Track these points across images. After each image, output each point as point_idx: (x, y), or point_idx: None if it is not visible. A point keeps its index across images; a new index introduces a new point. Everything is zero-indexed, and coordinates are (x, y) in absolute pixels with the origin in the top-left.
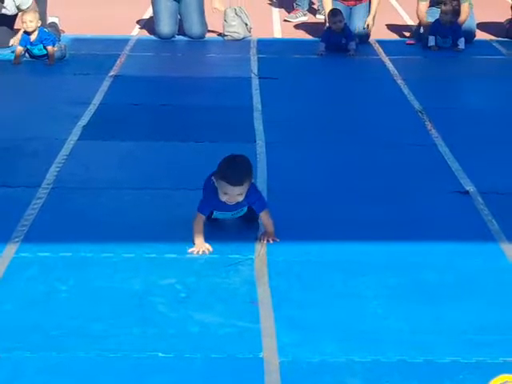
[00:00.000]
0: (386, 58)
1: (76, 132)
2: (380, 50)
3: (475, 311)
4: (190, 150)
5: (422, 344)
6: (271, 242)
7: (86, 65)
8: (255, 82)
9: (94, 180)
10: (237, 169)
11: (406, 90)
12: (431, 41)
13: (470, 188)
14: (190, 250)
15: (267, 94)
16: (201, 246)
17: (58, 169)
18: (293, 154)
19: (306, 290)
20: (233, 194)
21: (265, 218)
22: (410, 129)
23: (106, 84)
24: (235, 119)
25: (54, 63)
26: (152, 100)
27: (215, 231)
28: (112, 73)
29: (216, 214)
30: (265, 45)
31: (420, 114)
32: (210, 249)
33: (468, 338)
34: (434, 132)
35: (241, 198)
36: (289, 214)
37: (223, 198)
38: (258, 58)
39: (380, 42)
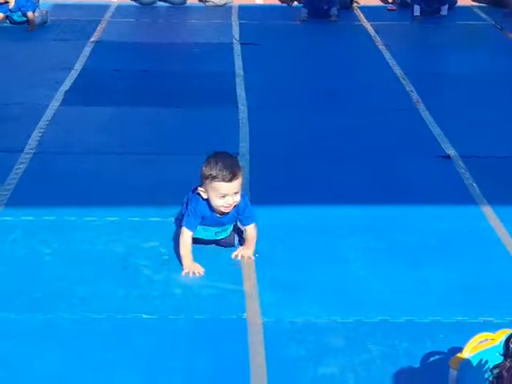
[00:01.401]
0: (368, 24)
1: (58, 97)
2: (362, 16)
3: (456, 272)
4: (173, 116)
5: (404, 304)
6: (248, 259)
7: (67, 31)
8: (237, 48)
9: (77, 145)
10: (226, 163)
11: (387, 56)
12: (416, 10)
13: (452, 152)
14: (183, 273)
15: (249, 59)
16: (191, 267)
17: (40, 134)
18: (275, 119)
19: (288, 252)
20: (231, 193)
21: (250, 232)
22: (391, 94)
23: (87, 50)
24: (217, 85)
25: (35, 29)
26: (133, 66)
27: None
28: (93, 38)
29: (199, 231)
30: (246, 11)
31: (402, 79)
32: (201, 271)
33: (449, 298)
34: (415, 97)
35: (238, 198)
36: (271, 179)
37: (219, 204)
38: (240, 23)
39: (362, 7)
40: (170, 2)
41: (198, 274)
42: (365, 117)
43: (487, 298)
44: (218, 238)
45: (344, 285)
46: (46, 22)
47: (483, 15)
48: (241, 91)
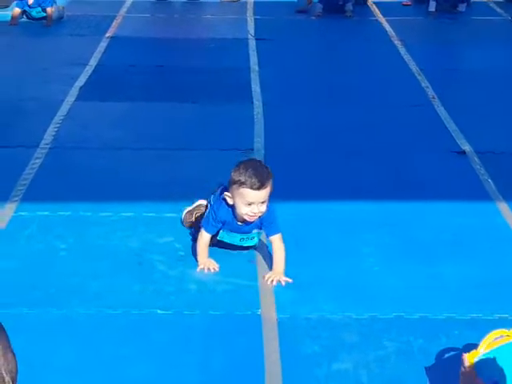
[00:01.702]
0: (383, 19)
1: (73, 93)
2: (377, 11)
3: (471, 269)
4: (188, 111)
5: (418, 301)
6: (282, 283)
7: (83, 26)
8: (252, 44)
9: (92, 140)
10: (256, 170)
11: (402, 51)
12: (432, 6)
13: (467, 148)
14: (198, 270)
15: (264, 55)
16: (205, 263)
17: (55, 129)
18: (290, 115)
19: (302, 248)
20: (257, 202)
21: (277, 244)
22: (406, 89)
23: (102, 45)
24: (232, 80)
25: (52, 24)
26: (149, 61)
27: (213, 188)
28: (108, 34)
29: (223, 235)
30: (262, 6)
31: (417, 74)
32: (216, 267)
33: (463, 294)
34: (430, 92)
35: (264, 208)
36: (286, 174)
37: (244, 211)
38: (255, 19)
39: (377, 3)
40: None
41: (212, 270)
42: (380, 112)
43: (502, 295)
44: (243, 245)
45: (358, 281)
46: (62, 18)
47: (499, 10)
48: (256, 87)
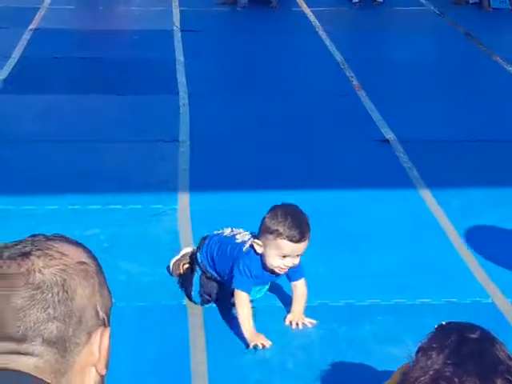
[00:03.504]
0: (308, 10)
1: None
2: (302, 2)
3: (395, 255)
4: (112, 103)
5: (344, 288)
6: (308, 324)
7: (5, 18)
8: (177, 35)
9: (15, 133)
10: (296, 220)
11: (327, 42)
12: None
13: (391, 136)
14: (250, 347)
15: (190, 46)
16: (254, 340)
17: None
18: (216, 105)
19: None
20: (293, 255)
21: (301, 289)
22: (331, 79)
23: (25, 37)
24: (157, 72)
25: None
26: (73, 53)
27: (137, 180)
28: (32, 26)
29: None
30: None
31: (342, 64)
32: (267, 344)
33: (387, 281)
34: (355, 82)
35: (298, 261)
36: (212, 165)
37: (276, 264)
38: (181, 10)
39: None
40: None
41: (268, 346)
42: (305, 103)
43: (424, 280)
44: (255, 297)
45: None
46: None
47: (423, 0)
48: (181, 78)
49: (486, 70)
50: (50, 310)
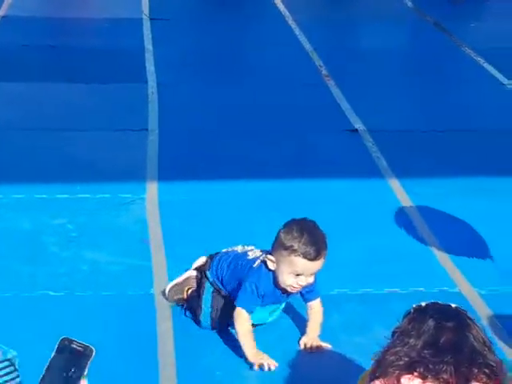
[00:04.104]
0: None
1: None
2: None
3: (363, 245)
4: (81, 91)
5: None
6: (324, 348)
7: None
8: (146, 24)
9: None
10: (313, 237)
11: (297, 31)
12: None
13: (359, 126)
14: (256, 368)
15: (159, 35)
16: (257, 361)
17: None
18: (185, 95)
19: (197, 228)
20: (308, 273)
21: (316, 309)
22: (301, 69)
23: None
24: (126, 60)
25: None
26: (42, 41)
27: (106, 169)
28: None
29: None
30: None
31: (311, 54)
32: (273, 365)
33: (355, 270)
34: (324, 72)
35: (312, 280)
36: (181, 154)
37: (289, 282)
38: None
39: None
40: None
41: (273, 367)
42: (274, 92)
43: (392, 270)
44: (268, 320)
45: None
46: None
47: None
48: (150, 67)
49: (454, 60)
50: None
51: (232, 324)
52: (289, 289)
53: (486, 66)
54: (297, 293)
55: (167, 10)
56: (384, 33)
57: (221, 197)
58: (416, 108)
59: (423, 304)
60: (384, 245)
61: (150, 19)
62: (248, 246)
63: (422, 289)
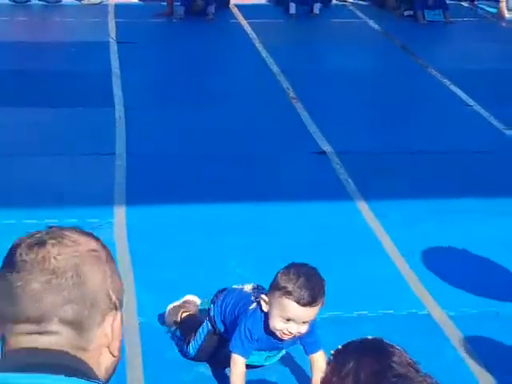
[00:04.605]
0: (245, 22)
1: None
2: (238, 14)
3: (332, 269)
4: (46, 116)
5: None
6: None
7: None
8: (113, 47)
9: None
10: (311, 281)
11: (264, 54)
12: (292, 8)
13: (327, 148)
14: None
15: (126, 58)
16: None
17: None
18: (152, 118)
19: (166, 251)
20: (299, 320)
21: (319, 363)
22: (268, 91)
23: None
24: (93, 84)
25: None
26: (7, 65)
27: (74, 194)
28: None
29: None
30: (123, 9)
31: (278, 76)
32: None
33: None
34: (291, 94)
35: (304, 330)
36: (149, 178)
37: (278, 327)
38: (116, 22)
39: (239, 6)
40: (45, 1)
41: None
42: (242, 115)
43: (362, 293)
44: (265, 364)
45: (220, 282)
46: None
47: (359, 13)
48: (118, 91)
49: (421, 82)
50: (65, 293)
51: (218, 362)
52: (278, 334)
53: (452, 87)
54: (298, 343)
55: (134, 33)
56: (352, 55)
57: (188, 220)
58: (384, 130)
59: (340, 347)
60: (353, 268)
61: (117, 42)
62: (260, 285)
63: (391, 311)
